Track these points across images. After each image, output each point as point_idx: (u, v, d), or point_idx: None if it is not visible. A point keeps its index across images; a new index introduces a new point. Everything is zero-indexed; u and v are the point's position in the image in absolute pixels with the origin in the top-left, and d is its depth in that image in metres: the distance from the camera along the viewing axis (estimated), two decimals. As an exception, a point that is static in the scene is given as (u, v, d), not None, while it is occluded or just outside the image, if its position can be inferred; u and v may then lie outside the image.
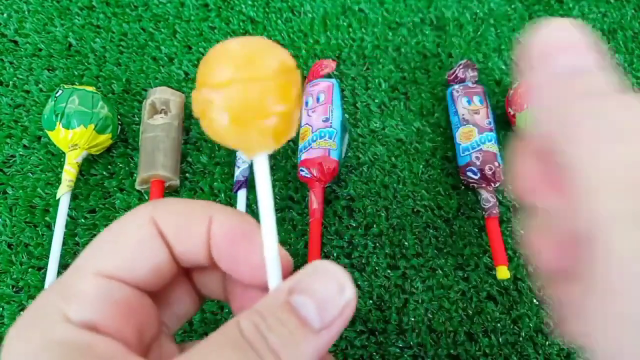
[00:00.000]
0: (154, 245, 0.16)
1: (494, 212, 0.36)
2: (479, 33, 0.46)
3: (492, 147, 0.37)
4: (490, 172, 0.36)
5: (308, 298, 0.14)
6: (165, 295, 0.18)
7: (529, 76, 0.14)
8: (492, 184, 0.36)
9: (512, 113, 0.39)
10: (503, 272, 0.33)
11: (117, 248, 0.16)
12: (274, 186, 0.38)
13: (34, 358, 0.14)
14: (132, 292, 0.16)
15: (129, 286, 0.16)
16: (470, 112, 0.39)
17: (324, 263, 0.15)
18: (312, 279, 0.15)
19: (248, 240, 0.17)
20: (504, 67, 0.45)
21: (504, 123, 0.41)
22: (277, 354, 0.14)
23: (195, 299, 0.20)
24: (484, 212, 0.36)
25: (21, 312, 0.33)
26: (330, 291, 0.15)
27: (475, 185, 0.37)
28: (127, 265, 0.16)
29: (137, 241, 0.16)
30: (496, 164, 0.36)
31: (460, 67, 0.41)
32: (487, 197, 0.36)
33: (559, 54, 0.14)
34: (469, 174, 0.37)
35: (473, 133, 0.38)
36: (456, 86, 0.41)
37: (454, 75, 0.41)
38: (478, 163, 0.37)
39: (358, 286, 0.35)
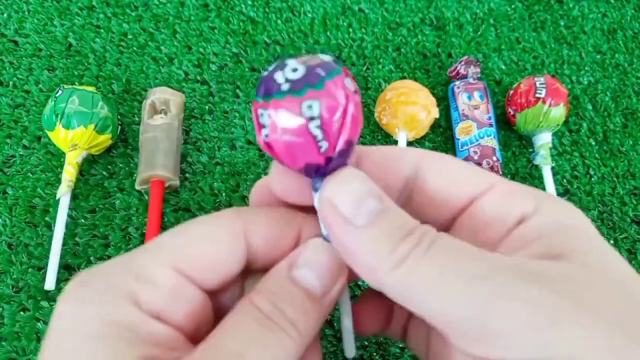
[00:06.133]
0: (238, 256, 0.17)
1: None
2: (479, 33, 0.46)
3: (491, 141, 0.37)
4: (487, 167, 0.36)
5: (307, 270, 0.16)
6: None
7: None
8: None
9: (511, 113, 0.39)
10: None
11: (203, 251, 0.16)
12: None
13: (100, 341, 0.13)
14: (200, 293, 0.16)
15: (199, 287, 0.16)
16: (470, 107, 0.39)
17: (315, 240, 0.17)
18: (308, 253, 0.16)
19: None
20: (504, 67, 0.45)
21: (503, 123, 0.41)
22: (294, 323, 0.15)
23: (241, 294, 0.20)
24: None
25: (21, 313, 0.33)
26: (324, 261, 0.16)
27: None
28: (208, 271, 0.16)
29: (225, 251, 0.16)
30: (494, 158, 0.36)
31: (462, 63, 0.41)
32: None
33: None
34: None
35: (472, 128, 0.38)
36: (457, 82, 0.41)
37: (455, 72, 0.41)
38: (476, 157, 0.37)
39: (358, 286, 0.35)
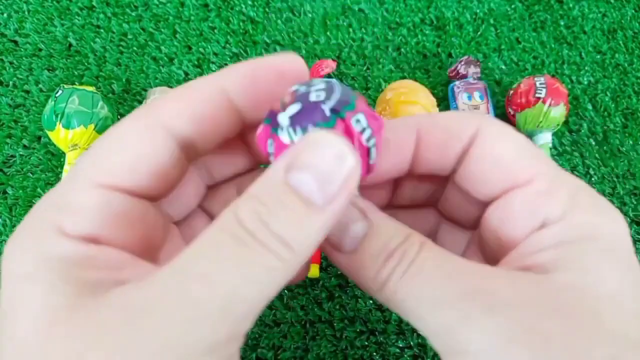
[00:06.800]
0: (161, 148, 0.15)
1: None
2: (479, 33, 0.46)
3: None
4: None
5: (307, 174, 0.13)
6: (172, 193, 0.17)
7: None
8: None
9: (511, 113, 0.39)
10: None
11: (116, 156, 0.15)
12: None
13: (32, 279, 0.13)
14: (134, 202, 0.15)
15: (131, 196, 0.15)
16: (470, 107, 0.39)
17: (320, 133, 0.13)
18: (308, 153, 0.13)
19: (264, 72, 0.16)
20: (504, 67, 0.45)
21: (504, 123, 0.41)
22: (283, 238, 0.13)
23: (201, 189, 0.19)
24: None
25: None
26: (329, 163, 0.13)
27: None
28: (131, 173, 0.15)
29: (140, 146, 0.15)
30: None
31: (462, 63, 0.41)
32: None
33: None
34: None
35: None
36: (457, 82, 0.41)
37: (455, 72, 0.41)
38: None
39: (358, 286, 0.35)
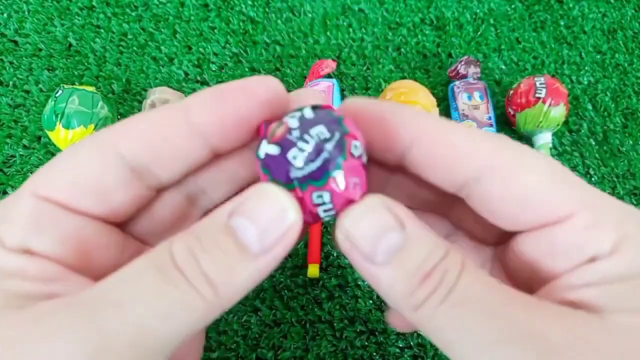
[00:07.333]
0: (105, 170, 0.15)
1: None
2: (479, 33, 0.46)
3: None
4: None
5: (248, 221, 0.13)
6: (144, 209, 0.17)
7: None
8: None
9: (511, 113, 0.39)
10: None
11: (61, 170, 0.15)
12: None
13: None
14: (73, 217, 0.15)
15: (70, 211, 0.14)
16: (470, 107, 0.39)
17: (268, 186, 0.14)
18: (254, 202, 0.14)
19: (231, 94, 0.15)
20: (504, 67, 0.45)
21: (504, 123, 0.41)
22: (209, 278, 0.13)
23: (187, 212, 0.18)
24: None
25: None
26: (272, 216, 0.13)
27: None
28: (68, 189, 0.14)
29: (84, 165, 0.14)
30: None
31: (462, 63, 0.41)
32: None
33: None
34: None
35: (472, 128, 0.38)
36: (457, 82, 0.41)
37: (455, 72, 0.41)
38: None
39: (358, 286, 0.35)
